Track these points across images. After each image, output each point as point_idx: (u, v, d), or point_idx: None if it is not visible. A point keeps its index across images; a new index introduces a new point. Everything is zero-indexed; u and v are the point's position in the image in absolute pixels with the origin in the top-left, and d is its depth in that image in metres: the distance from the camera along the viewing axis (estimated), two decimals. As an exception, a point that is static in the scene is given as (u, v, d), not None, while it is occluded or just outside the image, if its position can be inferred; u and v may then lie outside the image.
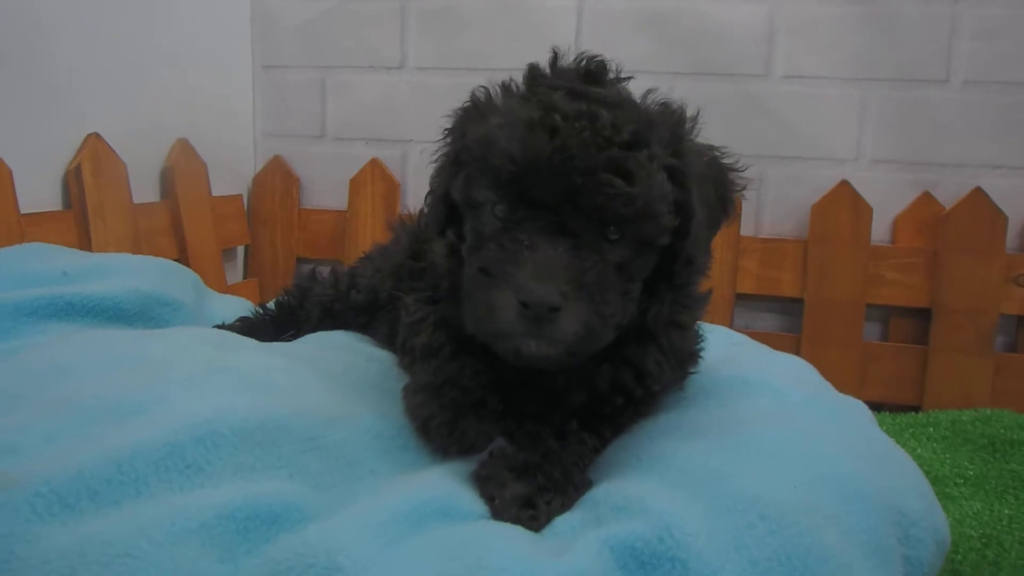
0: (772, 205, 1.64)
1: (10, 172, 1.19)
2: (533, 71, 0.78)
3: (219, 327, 1.12)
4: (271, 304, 1.21)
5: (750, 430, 0.74)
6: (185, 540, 0.50)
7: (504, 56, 1.72)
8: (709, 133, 1.65)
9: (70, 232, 1.30)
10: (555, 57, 0.79)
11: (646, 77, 1.63)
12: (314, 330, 1.12)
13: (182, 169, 1.59)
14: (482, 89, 0.81)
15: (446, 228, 0.83)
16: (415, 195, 1.83)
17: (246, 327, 1.15)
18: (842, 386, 1.60)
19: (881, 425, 1.38)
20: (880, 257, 1.58)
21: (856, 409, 0.94)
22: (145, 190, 1.52)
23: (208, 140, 1.68)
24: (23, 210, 1.22)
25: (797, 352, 1.58)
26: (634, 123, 0.72)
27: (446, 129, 0.84)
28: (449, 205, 0.80)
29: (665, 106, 0.79)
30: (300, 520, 0.56)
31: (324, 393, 0.74)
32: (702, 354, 0.90)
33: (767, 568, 0.56)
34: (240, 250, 1.88)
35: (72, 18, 1.32)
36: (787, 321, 1.66)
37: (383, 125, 1.82)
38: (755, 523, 0.59)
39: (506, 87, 0.79)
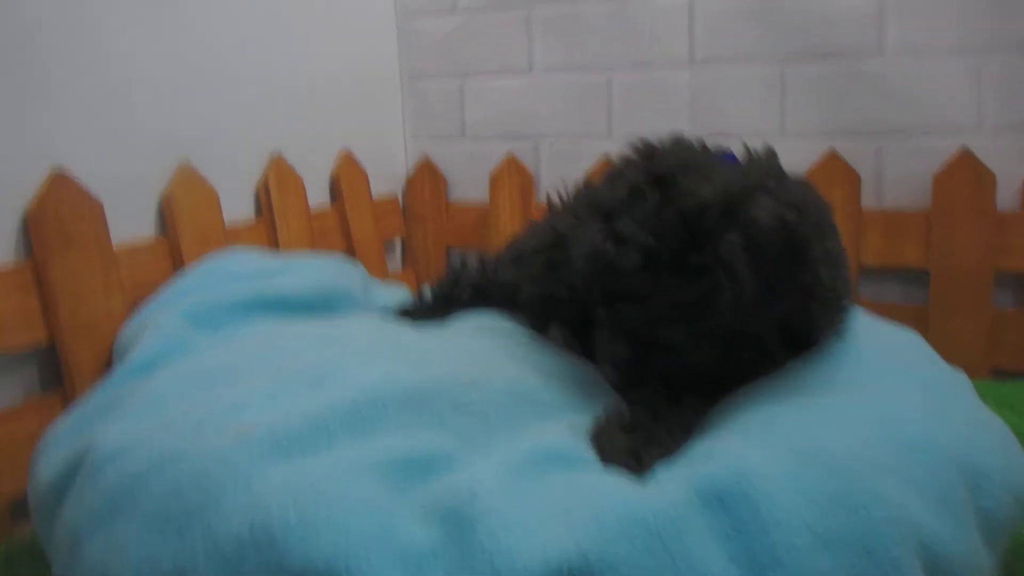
0: (892, 178, 1.67)
1: (217, 195, 1.46)
2: (636, 189, 0.88)
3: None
4: (428, 293, 1.36)
5: (831, 397, 0.84)
6: (366, 476, 0.69)
7: (621, 55, 1.85)
8: (825, 114, 1.72)
9: (262, 238, 1.57)
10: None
11: (758, 64, 1.76)
12: (466, 309, 1.27)
13: (346, 177, 1.84)
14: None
15: None
16: (548, 185, 1.98)
17: (407, 312, 1.32)
18: (971, 354, 1.65)
19: (1011, 392, 1.42)
20: (1008, 225, 1.58)
21: (953, 380, 0.99)
22: (317, 197, 1.77)
23: (366, 148, 1.91)
24: (227, 223, 1.48)
25: (924, 322, 1.62)
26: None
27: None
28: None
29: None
30: (448, 465, 0.73)
31: (464, 363, 0.92)
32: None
33: (827, 507, 0.67)
34: (397, 242, 2.11)
35: (255, 48, 1.57)
36: (913, 291, 1.69)
37: (516, 123, 1.99)
38: (818, 471, 0.70)
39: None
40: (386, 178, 2.04)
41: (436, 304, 1.34)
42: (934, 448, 0.78)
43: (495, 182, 2.01)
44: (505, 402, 0.85)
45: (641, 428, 0.85)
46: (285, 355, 0.92)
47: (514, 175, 1.99)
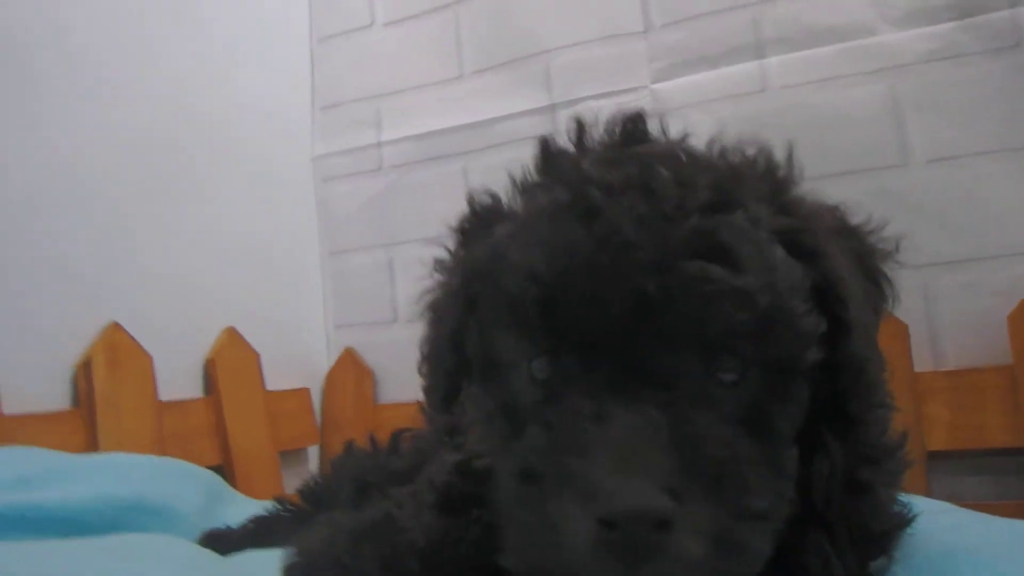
0: (951, 325, 1.23)
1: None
2: (546, 147, 0.54)
3: (217, 531, 0.94)
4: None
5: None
6: None
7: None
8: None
9: (75, 433, 1.13)
10: (580, 129, 0.54)
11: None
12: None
13: (227, 361, 1.41)
14: (485, 194, 0.56)
15: (452, 402, 0.57)
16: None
17: (258, 528, 0.94)
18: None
19: None
20: None
21: None
22: (184, 386, 1.33)
23: (267, 331, 1.51)
24: (18, 410, 1.06)
25: (1033, 526, 1.11)
26: (712, 174, 0.46)
27: (437, 260, 0.60)
28: (455, 368, 0.54)
29: (745, 152, 0.52)
30: None
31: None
32: (907, 530, 0.54)
33: None
34: (313, 451, 1.64)
35: (87, 200, 1.21)
36: (1007, 483, 1.19)
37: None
38: None
39: (517, 182, 0.55)
40: (295, 370, 1.61)
41: (305, 512, 0.93)
42: None
43: (434, 374, 1.58)
44: None
45: None
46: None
47: (457, 363, 1.57)
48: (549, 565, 0.43)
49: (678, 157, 0.49)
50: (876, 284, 0.54)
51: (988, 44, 1.21)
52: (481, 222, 0.55)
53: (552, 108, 1.51)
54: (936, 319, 1.23)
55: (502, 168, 1.65)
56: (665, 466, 0.40)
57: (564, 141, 0.56)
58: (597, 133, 0.54)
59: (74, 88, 1.21)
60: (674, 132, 0.56)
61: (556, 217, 0.46)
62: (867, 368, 0.49)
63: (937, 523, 0.69)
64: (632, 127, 0.53)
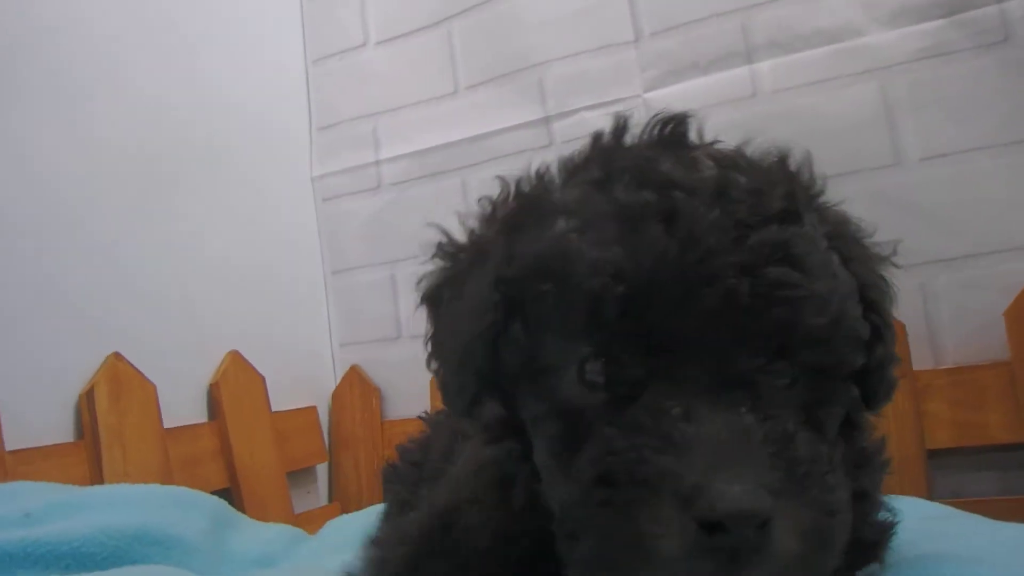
0: (950, 323, 1.23)
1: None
2: (600, 142, 0.54)
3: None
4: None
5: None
6: None
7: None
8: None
9: (80, 465, 1.12)
10: (623, 125, 0.55)
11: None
12: None
13: (231, 386, 1.41)
14: (529, 183, 0.56)
15: (474, 406, 0.56)
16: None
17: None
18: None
19: None
20: None
21: None
22: (188, 411, 1.34)
23: (272, 352, 1.51)
24: (21, 445, 1.05)
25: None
26: (780, 184, 0.48)
27: (441, 245, 0.60)
28: (487, 369, 0.53)
29: (783, 159, 0.54)
30: None
31: None
32: (892, 536, 0.56)
33: None
34: (322, 469, 1.65)
35: (77, 225, 1.21)
36: (1010, 478, 1.19)
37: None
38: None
39: (570, 167, 0.54)
40: (300, 389, 1.62)
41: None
42: None
43: (436, 391, 1.58)
44: None
45: None
46: None
47: (462, 377, 1.57)
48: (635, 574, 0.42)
49: (750, 165, 0.50)
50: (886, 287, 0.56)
51: (977, 40, 1.21)
52: (530, 214, 0.53)
53: (546, 120, 1.52)
54: (934, 317, 1.23)
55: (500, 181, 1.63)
56: (762, 465, 0.41)
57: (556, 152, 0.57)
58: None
59: (59, 110, 1.20)
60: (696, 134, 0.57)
61: (633, 216, 0.45)
62: (890, 370, 0.51)
63: (930, 530, 0.70)
64: (674, 128, 0.54)
